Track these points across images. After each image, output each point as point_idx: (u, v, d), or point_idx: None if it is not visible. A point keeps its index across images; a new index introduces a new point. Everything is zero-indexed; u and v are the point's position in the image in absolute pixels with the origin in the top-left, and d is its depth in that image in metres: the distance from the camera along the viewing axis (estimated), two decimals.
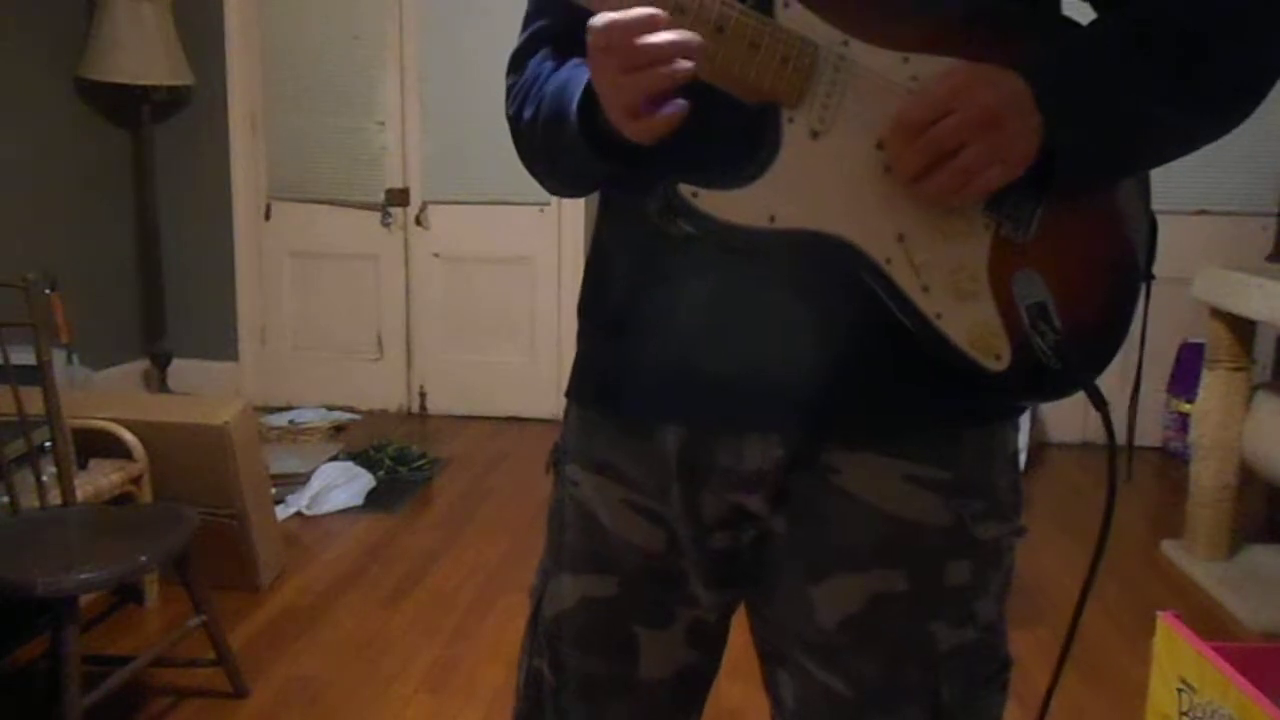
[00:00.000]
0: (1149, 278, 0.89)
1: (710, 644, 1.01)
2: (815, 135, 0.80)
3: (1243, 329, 2.94)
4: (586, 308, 1.00)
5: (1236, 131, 0.85)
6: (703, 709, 1.05)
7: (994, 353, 0.82)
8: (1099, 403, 0.85)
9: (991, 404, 0.90)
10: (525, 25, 1.00)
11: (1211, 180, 4.06)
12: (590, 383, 0.99)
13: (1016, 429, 0.95)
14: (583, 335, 1.01)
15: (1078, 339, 0.84)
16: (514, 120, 0.97)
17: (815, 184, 0.80)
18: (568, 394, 1.02)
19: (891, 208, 0.81)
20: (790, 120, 0.80)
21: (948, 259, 0.81)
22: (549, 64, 0.94)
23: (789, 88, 0.79)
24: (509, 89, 0.99)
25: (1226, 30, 0.81)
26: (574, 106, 0.85)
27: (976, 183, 0.78)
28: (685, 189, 0.78)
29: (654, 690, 0.99)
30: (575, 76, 0.87)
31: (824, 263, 0.81)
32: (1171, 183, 3.93)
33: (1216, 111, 0.84)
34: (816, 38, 0.79)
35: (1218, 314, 2.96)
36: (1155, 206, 0.90)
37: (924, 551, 0.88)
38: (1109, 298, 0.87)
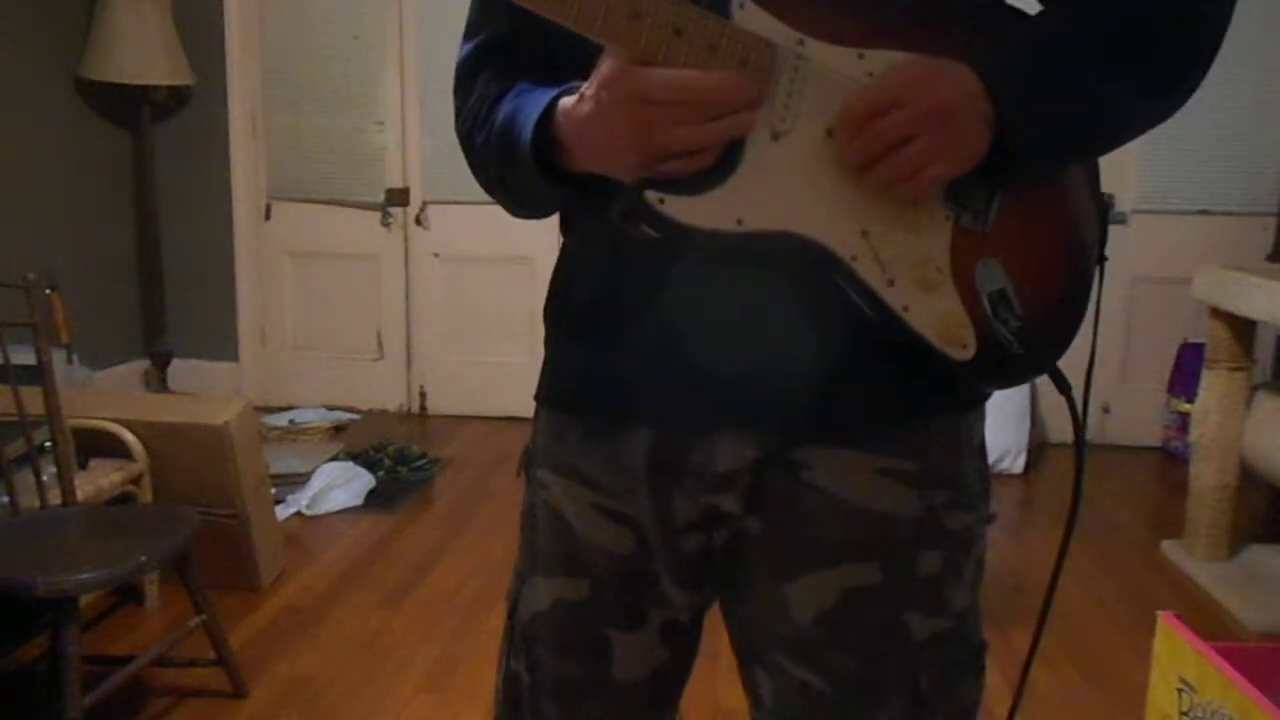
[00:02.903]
0: (1102, 259, 0.90)
1: (684, 643, 1.01)
2: (777, 136, 0.79)
3: (1243, 329, 2.94)
4: (552, 311, 1.00)
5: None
6: (677, 705, 1.06)
7: (961, 342, 0.83)
8: (1063, 386, 0.86)
9: (958, 393, 0.90)
10: (467, 35, 0.98)
11: (1212, 180, 4.04)
12: (558, 386, 0.99)
13: (982, 418, 0.95)
14: (549, 339, 1.01)
15: (1038, 324, 0.85)
16: (466, 146, 0.97)
17: (780, 184, 0.80)
18: (536, 397, 1.02)
19: (854, 204, 0.81)
20: None
21: (912, 252, 0.82)
22: (494, 86, 0.94)
23: None
24: (458, 110, 0.98)
25: (1168, 11, 0.82)
26: (525, 141, 0.85)
27: (925, 175, 0.78)
28: (651, 195, 0.78)
29: (628, 690, 0.99)
30: (521, 107, 0.87)
31: (791, 261, 0.81)
32: (1173, 183, 3.88)
33: (1163, 92, 0.85)
34: (773, 37, 0.78)
35: (1218, 314, 2.96)
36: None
37: (896, 543, 0.89)
38: (1066, 281, 0.88)
